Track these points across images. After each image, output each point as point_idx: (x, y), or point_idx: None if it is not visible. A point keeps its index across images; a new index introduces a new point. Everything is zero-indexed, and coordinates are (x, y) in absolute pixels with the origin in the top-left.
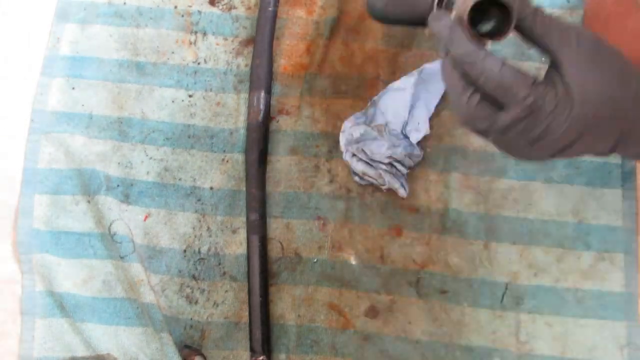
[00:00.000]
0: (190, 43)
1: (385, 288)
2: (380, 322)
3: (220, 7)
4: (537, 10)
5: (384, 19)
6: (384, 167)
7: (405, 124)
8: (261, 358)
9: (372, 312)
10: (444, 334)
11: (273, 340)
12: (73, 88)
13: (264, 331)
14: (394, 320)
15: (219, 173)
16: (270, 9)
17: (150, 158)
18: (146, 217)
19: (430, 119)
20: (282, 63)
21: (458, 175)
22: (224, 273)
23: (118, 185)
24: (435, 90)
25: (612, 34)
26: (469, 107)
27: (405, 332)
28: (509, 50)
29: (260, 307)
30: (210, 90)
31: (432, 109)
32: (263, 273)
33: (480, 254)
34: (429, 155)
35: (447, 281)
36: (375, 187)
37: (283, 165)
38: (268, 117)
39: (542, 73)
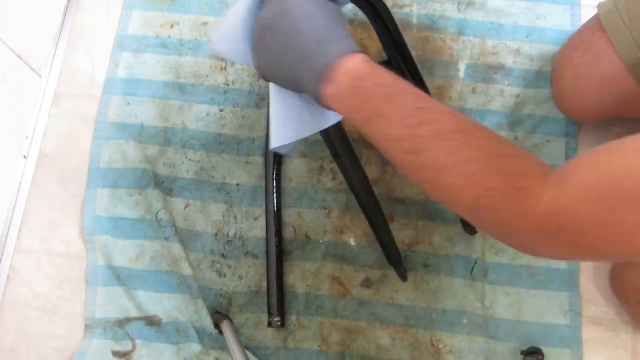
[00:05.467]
0: (222, 69)
1: (378, 264)
2: (373, 291)
3: None
4: None
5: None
6: None
7: None
8: (277, 319)
9: (367, 283)
10: (424, 300)
11: (286, 305)
12: (128, 104)
13: (279, 298)
14: (384, 290)
15: (244, 172)
16: None
17: (190, 160)
18: (186, 207)
19: None
20: None
21: None
22: (248, 252)
23: (164, 182)
24: None
25: (582, 81)
26: None
27: (392, 299)
28: (478, 76)
29: (276, 279)
30: (237, 106)
31: None
32: (279, 252)
33: (459, 235)
34: None
35: (430, 257)
36: None
37: (295, 165)
38: None
39: (505, 94)
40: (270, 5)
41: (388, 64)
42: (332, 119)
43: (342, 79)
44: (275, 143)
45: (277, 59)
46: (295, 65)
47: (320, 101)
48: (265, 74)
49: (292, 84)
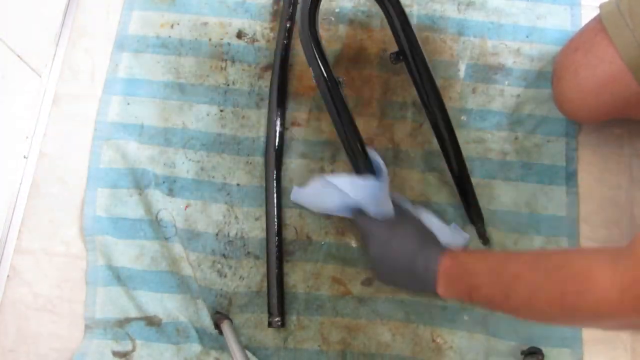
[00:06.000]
0: (222, 68)
1: None
2: (373, 289)
3: (246, 40)
4: None
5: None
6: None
7: None
8: (277, 319)
9: (368, 282)
10: (424, 298)
11: (286, 305)
12: (128, 104)
13: (279, 298)
14: (385, 287)
15: (244, 172)
16: (285, 41)
17: (190, 160)
18: (186, 207)
19: (413, 134)
20: (295, 85)
21: (436, 174)
22: (248, 253)
23: (164, 182)
24: None
25: (583, 82)
26: None
27: (393, 295)
28: (478, 76)
29: (276, 279)
30: (238, 106)
31: None
32: (279, 252)
33: None
34: (413, 159)
35: None
36: None
37: (295, 166)
38: (283, 128)
39: (505, 94)
40: (382, 236)
41: (400, 55)
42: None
43: (443, 283)
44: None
45: (395, 279)
46: (409, 284)
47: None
48: (385, 283)
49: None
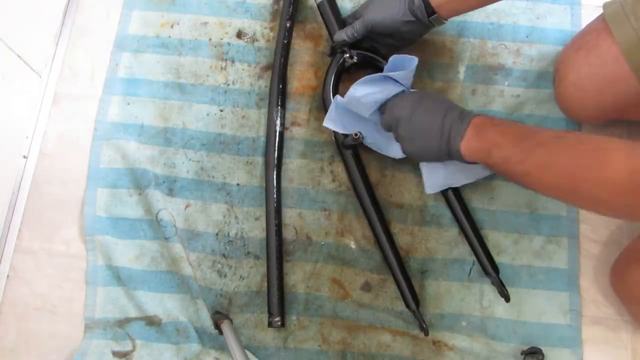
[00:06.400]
0: (222, 68)
1: (377, 269)
2: (372, 295)
3: (246, 40)
4: None
5: None
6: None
7: None
8: (277, 319)
9: (367, 287)
10: (422, 306)
11: (286, 305)
12: (128, 104)
13: (279, 298)
14: (383, 295)
15: (244, 172)
16: (285, 41)
17: (190, 160)
18: (186, 207)
19: None
20: (295, 85)
21: None
22: (248, 253)
23: (164, 182)
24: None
25: (585, 82)
26: None
27: (392, 304)
28: (478, 77)
29: (276, 279)
30: (237, 106)
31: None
32: (279, 252)
33: (455, 239)
34: (411, 162)
35: (427, 262)
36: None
37: (295, 166)
38: (283, 128)
39: (505, 94)
40: (404, 104)
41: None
42: (479, 173)
43: (469, 135)
44: (429, 190)
45: (421, 147)
46: (437, 149)
47: (464, 160)
48: (414, 157)
49: (437, 159)
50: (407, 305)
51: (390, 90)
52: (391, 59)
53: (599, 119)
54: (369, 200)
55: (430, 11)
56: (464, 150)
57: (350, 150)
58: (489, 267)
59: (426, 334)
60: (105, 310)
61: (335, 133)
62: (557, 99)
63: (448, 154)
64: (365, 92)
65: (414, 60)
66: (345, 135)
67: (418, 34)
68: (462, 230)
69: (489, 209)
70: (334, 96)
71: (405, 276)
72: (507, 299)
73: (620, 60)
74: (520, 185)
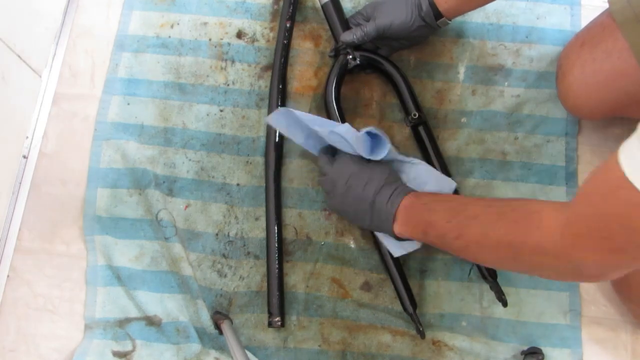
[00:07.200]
0: (222, 68)
1: (377, 269)
2: (372, 294)
3: (246, 40)
4: None
5: None
6: None
7: None
8: (277, 319)
9: (366, 286)
10: (422, 306)
11: (286, 305)
12: (128, 104)
13: (279, 298)
14: (382, 294)
15: (244, 172)
16: (284, 41)
17: (190, 160)
18: (186, 207)
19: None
20: (295, 85)
21: None
22: (248, 253)
23: (164, 182)
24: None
25: (589, 78)
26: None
27: (392, 304)
28: (478, 78)
29: (276, 279)
30: (237, 106)
31: None
32: (279, 252)
33: None
34: None
35: (426, 262)
36: None
37: (295, 166)
38: None
39: (505, 95)
40: (337, 172)
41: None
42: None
43: (401, 218)
44: (397, 254)
45: (352, 215)
46: (372, 227)
47: (396, 236)
48: (337, 209)
49: (367, 228)
50: (405, 308)
51: (337, 143)
52: (366, 132)
53: (602, 116)
54: None
55: (437, 15)
56: (398, 233)
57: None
58: (486, 272)
59: (422, 336)
60: (105, 310)
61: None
62: (560, 95)
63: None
64: (315, 126)
65: (386, 146)
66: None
67: (425, 37)
68: None
69: None
70: (335, 98)
71: (403, 278)
72: (505, 304)
73: (626, 55)
74: (464, 259)
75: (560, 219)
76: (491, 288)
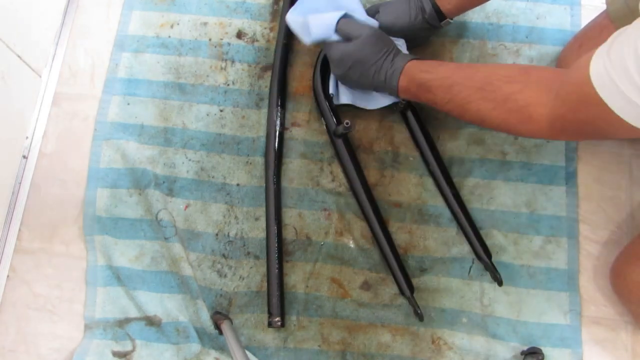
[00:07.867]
0: (222, 69)
1: (376, 268)
2: (371, 294)
3: (246, 40)
4: None
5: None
6: None
7: None
8: (277, 319)
9: (366, 286)
10: (422, 299)
11: (286, 305)
12: (128, 104)
13: (279, 298)
14: (382, 293)
15: (244, 172)
16: (285, 41)
17: (190, 160)
18: (186, 207)
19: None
20: (295, 85)
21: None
22: (248, 253)
23: (164, 182)
24: None
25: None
26: None
27: (391, 300)
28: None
29: (276, 279)
30: (237, 106)
31: None
32: (279, 252)
33: (453, 238)
34: (411, 162)
35: (426, 260)
36: None
37: (295, 166)
38: (283, 128)
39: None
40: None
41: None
42: (385, 102)
43: (404, 84)
44: (343, 100)
45: (358, 84)
46: (374, 85)
47: (397, 96)
48: (349, 86)
49: (370, 90)
50: (402, 292)
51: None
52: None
53: None
54: (366, 198)
55: (441, 16)
56: (402, 95)
57: (341, 140)
58: (481, 251)
59: (421, 319)
60: (105, 310)
61: (326, 125)
62: None
63: (384, 88)
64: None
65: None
66: (337, 124)
67: (426, 38)
68: (452, 212)
69: (488, 209)
70: (324, 91)
71: (401, 267)
72: (500, 283)
73: None
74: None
75: (545, 115)
76: (486, 268)
